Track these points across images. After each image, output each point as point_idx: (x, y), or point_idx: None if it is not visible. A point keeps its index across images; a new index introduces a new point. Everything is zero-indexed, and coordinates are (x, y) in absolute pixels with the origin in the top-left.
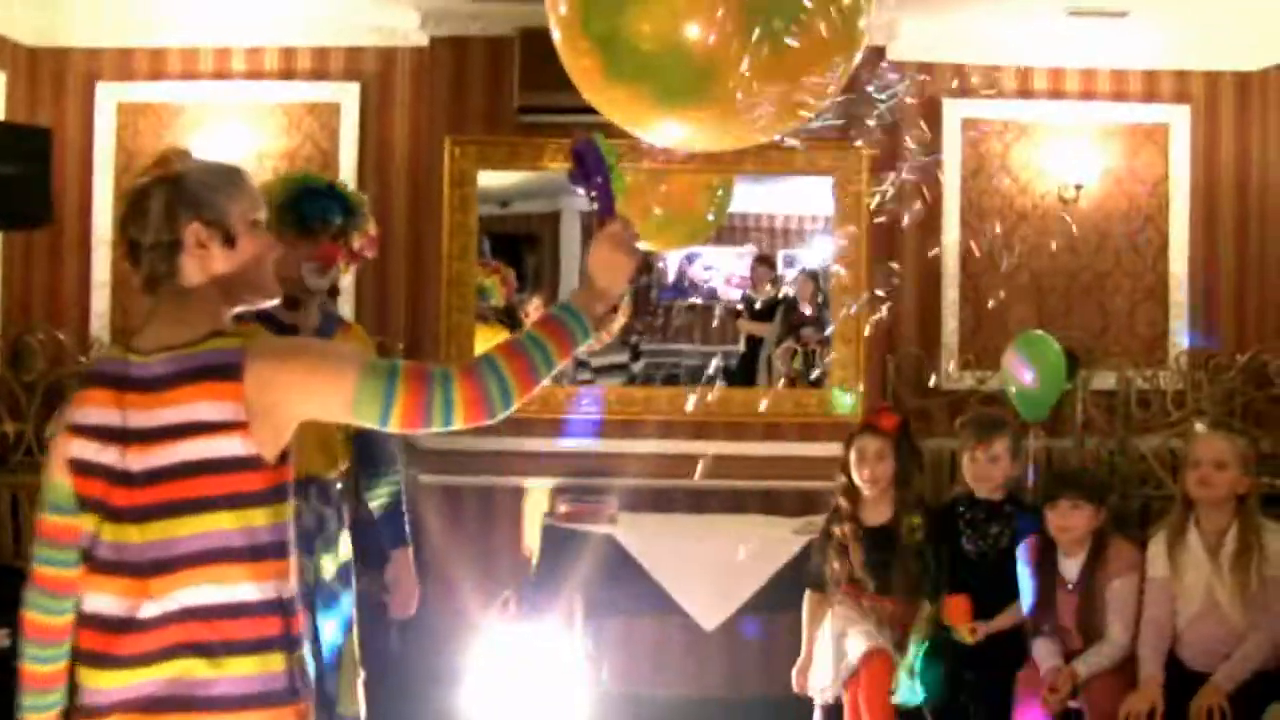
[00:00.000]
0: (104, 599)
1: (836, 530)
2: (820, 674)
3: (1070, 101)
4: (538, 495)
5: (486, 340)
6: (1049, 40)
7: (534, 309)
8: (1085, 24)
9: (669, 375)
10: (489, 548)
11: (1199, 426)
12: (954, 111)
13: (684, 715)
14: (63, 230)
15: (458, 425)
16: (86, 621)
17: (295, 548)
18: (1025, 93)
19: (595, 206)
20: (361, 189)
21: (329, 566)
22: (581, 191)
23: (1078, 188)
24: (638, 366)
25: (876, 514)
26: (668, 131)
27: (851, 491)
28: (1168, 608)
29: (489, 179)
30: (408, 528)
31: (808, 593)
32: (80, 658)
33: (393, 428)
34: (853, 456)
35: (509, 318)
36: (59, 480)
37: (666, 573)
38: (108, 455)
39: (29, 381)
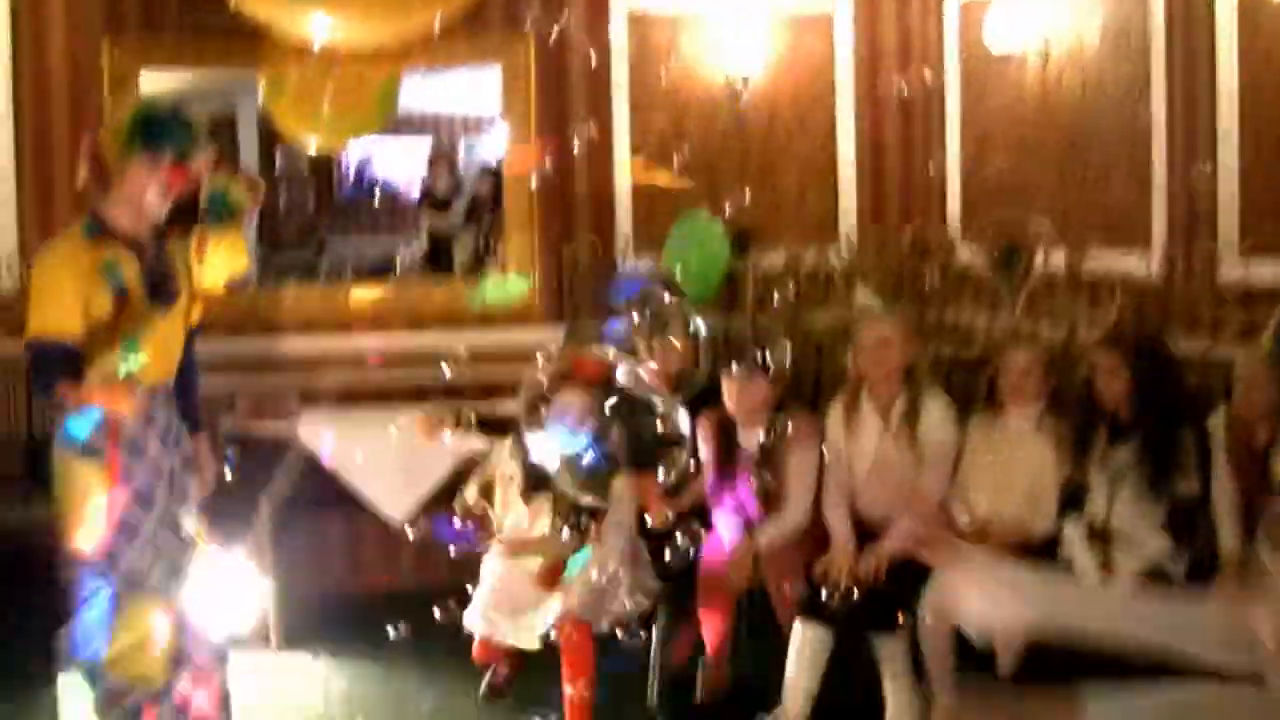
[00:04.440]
0: None
1: None
2: None
3: None
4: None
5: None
6: None
7: None
8: None
9: (354, 270)
10: None
11: (860, 296)
12: (621, 4)
13: (378, 611)
14: None
15: None
16: None
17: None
18: None
19: None
20: (17, 93)
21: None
22: None
23: (745, 79)
24: (324, 263)
25: None
26: (320, 25)
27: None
28: (846, 471)
29: (157, 81)
30: None
31: None
32: None
33: None
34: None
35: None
36: None
37: (351, 468)
38: None
39: None
